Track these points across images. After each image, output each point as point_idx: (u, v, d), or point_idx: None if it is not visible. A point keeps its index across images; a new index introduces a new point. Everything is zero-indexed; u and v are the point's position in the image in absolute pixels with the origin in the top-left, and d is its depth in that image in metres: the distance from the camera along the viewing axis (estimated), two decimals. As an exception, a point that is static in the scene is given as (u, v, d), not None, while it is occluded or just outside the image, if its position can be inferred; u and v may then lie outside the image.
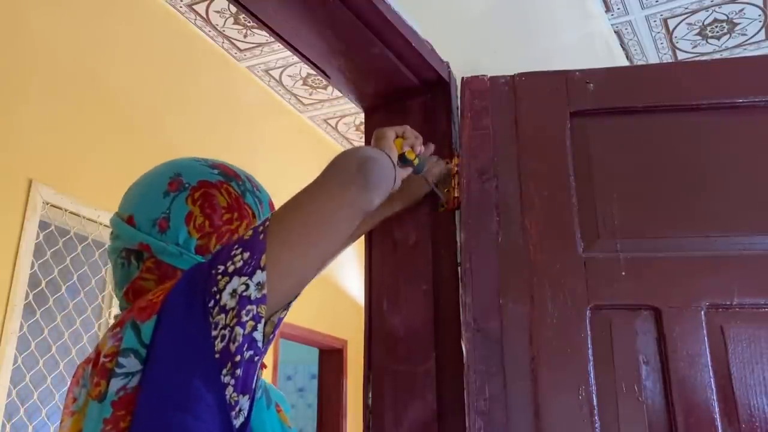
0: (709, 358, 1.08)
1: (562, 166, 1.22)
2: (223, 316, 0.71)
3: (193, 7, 3.39)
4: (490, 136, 1.25)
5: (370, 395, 1.22)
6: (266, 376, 0.81)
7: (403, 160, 1.08)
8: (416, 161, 1.11)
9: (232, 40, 3.65)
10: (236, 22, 3.49)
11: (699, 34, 3.25)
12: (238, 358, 0.70)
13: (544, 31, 2.10)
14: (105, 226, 2.87)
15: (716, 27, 3.20)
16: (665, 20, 3.13)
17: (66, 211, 2.74)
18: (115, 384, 0.71)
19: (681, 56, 3.41)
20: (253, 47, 3.70)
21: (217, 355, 0.70)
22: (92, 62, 2.97)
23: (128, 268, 0.87)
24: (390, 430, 1.18)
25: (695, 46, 3.35)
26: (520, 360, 1.11)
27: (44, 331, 2.63)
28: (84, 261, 2.83)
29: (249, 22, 3.45)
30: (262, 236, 0.75)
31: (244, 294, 0.72)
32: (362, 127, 3.68)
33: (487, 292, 1.15)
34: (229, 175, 0.92)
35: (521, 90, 1.28)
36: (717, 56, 3.40)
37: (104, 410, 0.71)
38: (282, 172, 3.51)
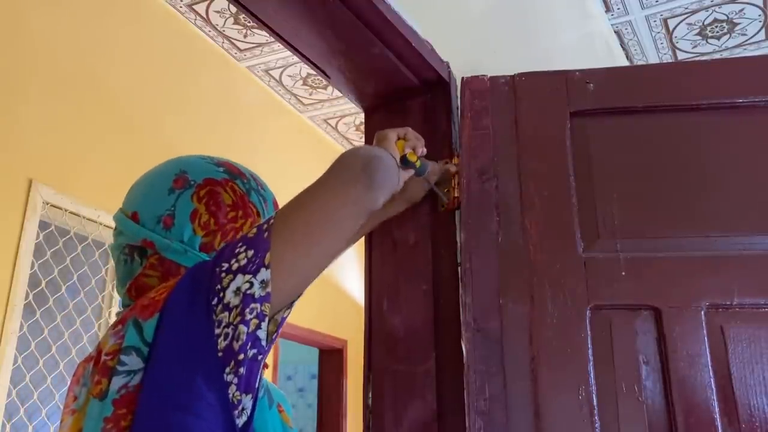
0: (709, 358, 1.08)
1: (562, 166, 1.22)
2: (226, 314, 0.71)
3: (193, 7, 3.39)
4: (490, 136, 1.25)
5: (370, 395, 1.22)
6: (267, 375, 0.81)
7: (404, 162, 1.08)
8: (418, 163, 1.11)
9: (232, 40, 3.65)
10: (236, 22, 3.49)
11: (699, 34, 3.25)
12: (241, 356, 0.70)
13: (544, 31, 2.10)
14: (105, 226, 2.87)
15: (716, 27, 3.20)
16: (665, 20, 3.13)
17: (66, 211, 2.74)
18: (117, 382, 0.71)
19: (681, 56, 3.41)
20: (253, 47, 3.70)
21: (220, 354, 0.69)
22: (92, 62, 2.97)
23: (131, 265, 0.87)
24: (390, 430, 1.18)
25: (695, 46, 3.35)
26: (520, 360, 1.11)
27: (44, 331, 2.63)
28: (84, 261, 2.83)
29: (249, 22, 3.45)
30: (266, 234, 0.75)
31: (248, 292, 0.71)
32: (362, 127, 3.68)
33: (487, 292, 1.15)
34: (234, 173, 0.92)
35: (521, 90, 1.28)
36: (717, 56, 3.40)
37: (105, 409, 0.70)
38: (282, 172, 3.51)
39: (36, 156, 2.66)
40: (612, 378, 1.09)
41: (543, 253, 1.16)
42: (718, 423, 1.05)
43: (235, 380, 0.70)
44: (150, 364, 0.70)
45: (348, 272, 4.68)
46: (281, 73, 3.93)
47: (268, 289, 0.72)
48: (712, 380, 1.07)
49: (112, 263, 2.91)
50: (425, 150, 1.14)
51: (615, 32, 3.11)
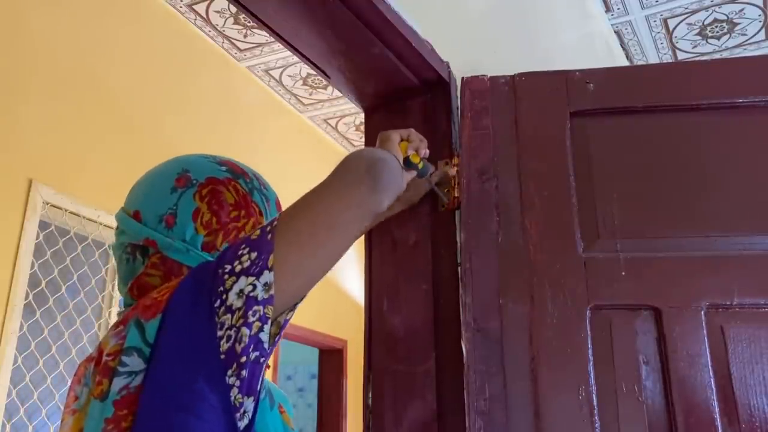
0: (709, 358, 1.08)
1: (562, 166, 1.22)
2: (229, 316, 0.70)
3: (193, 7, 3.39)
4: (490, 136, 1.25)
5: (370, 395, 1.22)
6: (267, 376, 0.80)
7: (407, 163, 1.08)
8: (420, 165, 1.11)
9: (232, 40, 3.65)
10: (236, 22, 3.49)
11: (699, 34, 3.25)
12: (243, 359, 0.69)
13: (544, 31, 2.10)
14: (105, 226, 2.87)
15: (716, 27, 3.20)
16: (665, 20, 3.13)
17: (66, 211, 2.74)
18: (118, 383, 0.70)
19: (681, 56, 3.41)
20: (253, 47, 3.70)
21: (222, 356, 0.69)
22: (92, 62, 2.97)
23: (133, 264, 0.87)
24: (390, 430, 1.18)
25: (695, 46, 3.35)
26: (520, 360, 1.11)
27: (44, 331, 2.63)
28: (84, 261, 2.83)
29: (249, 22, 3.45)
30: (269, 236, 0.75)
31: (251, 294, 0.71)
32: (362, 127, 3.68)
33: (487, 292, 1.15)
34: (236, 172, 0.91)
35: (521, 90, 1.28)
36: (717, 56, 3.40)
37: (106, 409, 0.70)
38: (282, 172, 3.51)
39: (36, 156, 2.66)
40: (612, 378, 1.09)
41: (543, 253, 1.16)
42: (718, 423, 1.05)
43: (237, 383, 0.69)
44: (152, 365, 0.70)
45: (348, 272, 4.68)
46: (281, 73, 3.93)
47: (271, 292, 0.72)
48: (712, 380, 1.07)
49: (112, 263, 2.91)
50: (428, 151, 1.14)
51: (615, 32, 3.11)
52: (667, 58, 3.41)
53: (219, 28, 3.55)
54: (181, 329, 0.71)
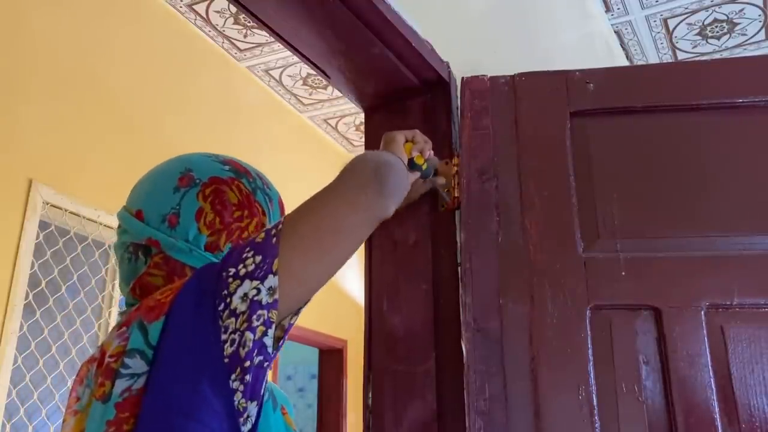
0: (709, 358, 1.08)
1: (562, 166, 1.22)
2: (233, 320, 0.70)
3: (193, 7, 3.39)
4: (490, 136, 1.25)
5: (370, 395, 1.22)
6: (268, 377, 0.80)
7: (411, 165, 1.07)
8: (425, 166, 1.10)
9: (232, 40, 3.65)
10: (236, 22, 3.49)
11: (699, 34, 3.25)
12: (247, 363, 0.69)
13: (544, 31, 2.10)
14: (105, 226, 2.87)
15: (716, 27, 3.20)
16: (665, 20, 3.13)
17: (66, 211, 2.74)
18: (120, 385, 0.70)
19: (681, 56, 3.41)
20: (253, 47, 3.70)
21: (226, 360, 0.69)
22: (92, 62, 2.97)
23: (135, 264, 0.86)
24: (390, 430, 1.18)
25: (695, 46, 3.35)
26: (520, 360, 1.11)
27: (44, 331, 2.63)
28: (84, 261, 2.83)
29: (249, 22, 3.45)
30: (274, 240, 0.74)
31: (256, 298, 0.70)
32: (362, 127, 3.68)
33: (487, 292, 1.15)
34: (240, 172, 0.90)
35: (521, 90, 1.28)
36: (717, 56, 3.40)
37: (108, 412, 0.69)
38: (282, 172, 3.51)
39: (36, 156, 2.66)
40: (612, 378, 1.09)
41: (543, 253, 1.16)
42: (718, 423, 1.05)
43: (241, 387, 0.69)
44: (154, 368, 0.69)
45: (348, 272, 4.68)
46: (281, 73, 3.93)
47: (276, 296, 0.71)
48: (712, 380, 1.07)
49: (112, 263, 2.91)
50: (432, 153, 1.14)
51: (615, 32, 3.11)
52: (667, 58, 3.41)
53: (219, 28, 3.55)
54: (185, 332, 0.70)
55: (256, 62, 3.83)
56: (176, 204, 0.85)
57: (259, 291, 0.71)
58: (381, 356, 1.24)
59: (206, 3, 3.35)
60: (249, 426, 0.70)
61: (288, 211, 0.93)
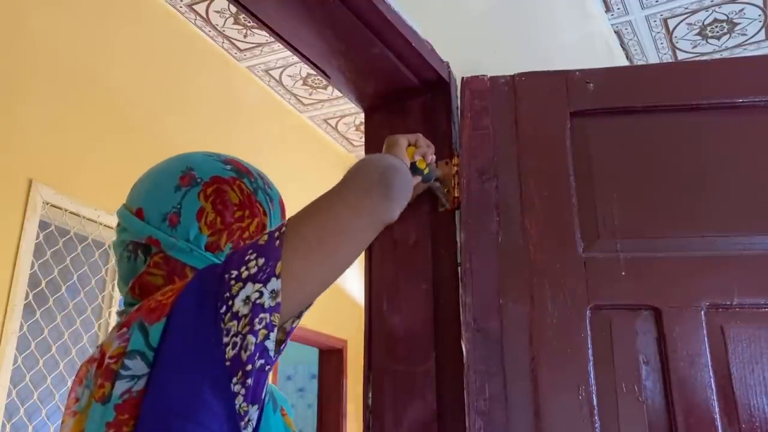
0: (709, 358, 1.08)
1: (562, 166, 1.22)
2: (235, 322, 0.69)
3: (193, 7, 3.39)
4: (490, 136, 1.25)
5: (370, 395, 1.22)
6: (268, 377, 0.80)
7: (413, 168, 1.07)
8: (426, 171, 1.10)
9: (232, 40, 3.65)
10: (236, 22, 3.49)
11: (699, 34, 3.25)
12: (249, 367, 0.68)
13: (544, 31, 2.10)
14: (105, 226, 2.87)
15: (716, 27, 3.20)
16: (665, 20, 3.13)
17: (66, 211, 2.74)
18: (120, 387, 0.69)
19: (681, 56, 3.41)
20: (253, 47, 3.70)
21: (227, 363, 0.68)
22: (93, 62, 2.97)
23: (134, 262, 0.85)
24: (390, 430, 1.18)
25: (695, 46, 3.35)
26: (520, 360, 1.11)
27: (44, 331, 2.63)
28: (84, 261, 2.83)
29: (249, 22, 3.45)
30: (278, 242, 0.74)
31: (258, 302, 0.70)
32: (362, 127, 3.68)
33: (487, 292, 1.15)
34: (241, 172, 0.90)
35: (521, 90, 1.28)
36: (717, 56, 3.40)
37: (107, 413, 0.69)
38: (282, 172, 3.51)
39: (36, 156, 2.66)
40: (612, 378, 1.09)
41: (543, 253, 1.16)
42: (718, 423, 1.05)
43: (243, 391, 0.68)
44: (155, 370, 0.69)
45: (348, 272, 4.66)
46: (281, 73, 3.93)
47: (278, 299, 0.71)
48: (712, 380, 1.07)
49: (112, 263, 2.91)
50: (435, 157, 1.14)
51: (615, 32, 3.11)
52: (667, 58, 3.41)
53: (219, 28, 3.55)
54: (186, 334, 0.70)
55: (256, 62, 3.83)
56: (177, 203, 0.84)
57: (261, 294, 0.70)
58: (381, 356, 1.24)
59: (206, 3, 3.35)
60: (250, 429, 0.70)
61: (289, 211, 0.93)
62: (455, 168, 1.25)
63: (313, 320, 4.17)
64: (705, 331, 1.09)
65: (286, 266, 0.72)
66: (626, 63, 3.24)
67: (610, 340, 1.11)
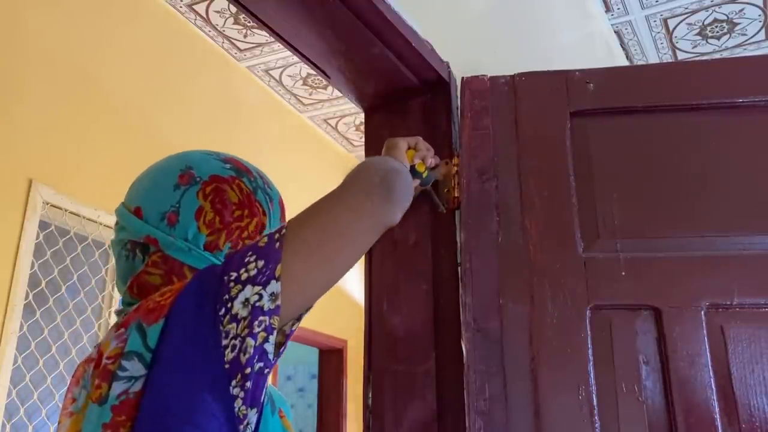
0: (709, 358, 1.08)
1: (562, 166, 1.22)
2: (234, 325, 0.68)
3: (193, 7, 3.39)
4: (490, 136, 1.25)
5: (370, 395, 1.22)
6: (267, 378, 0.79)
7: (412, 172, 1.06)
8: (425, 174, 1.10)
9: (232, 40, 3.65)
10: (236, 22, 3.49)
11: (699, 34, 3.25)
12: (248, 370, 0.68)
13: (544, 31, 2.10)
14: (105, 226, 2.87)
15: (716, 27, 3.20)
16: (665, 20, 3.13)
17: (66, 211, 2.74)
18: (117, 388, 0.69)
19: (681, 56, 3.41)
20: (253, 47, 3.70)
21: (226, 366, 0.67)
22: (92, 62, 2.97)
23: (133, 261, 0.85)
24: (390, 430, 1.18)
25: (695, 46, 3.35)
26: (520, 360, 1.11)
27: (44, 331, 2.63)
28: (84, 261, 2.83)
29: (249, 22, 3.45)
30: (278, 245, 0.73)
31: (257, 304, 0.69)
32: (362, 127, 3.68)
33: (487, 292, 1.15)
34: (241, 171, 0.89)
35: (521, 90, 1.28)
36: (717, 56, 3.40)
37: (104, 415, 0.68)
38: (282, 172, 3.51)
39: (36, 156, 2.66)
40: (612, 378, 1.09)
41: (543, 253, 1.16)
42: (718, 423, 1.05)
43: (241, 394, 0.68)
44: (152, 372, 0.68)
45: (348, 272, 4.67)
46: (281, 73, 3.93)
47: (278, 302, 0.70)
48: (712, 380, 1.07)
49: (112, 263, 2.91)
50: (434, 161, 1.13)
51: (615, 32, 3.11)
52: (667, 58, 3.41)
53: (219, 28, 3.55)
54: (184, 336, 0.69)
55: (256, 62, 3.83)
56: (176, 202, 0.84)
57: (260, 296, 0.70)
58: (381, 356, 1.24)
59: (206, 3, 3.35)
60: None
61: (288, 212, 0.93)
62: (455, 168, 1.25)
63: (313, 320, 4.17)
64: (705, 331, 1.09)
65: (286, 269, 0.72)
66: (626, 63, 3.24)
67: (610, 340, 1.11)
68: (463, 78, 1.31)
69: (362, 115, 1.44)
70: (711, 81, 1.26)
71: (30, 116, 2.67)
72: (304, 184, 3.41)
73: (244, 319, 0.69)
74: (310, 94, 4.17)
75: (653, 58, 3.35)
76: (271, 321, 0.70)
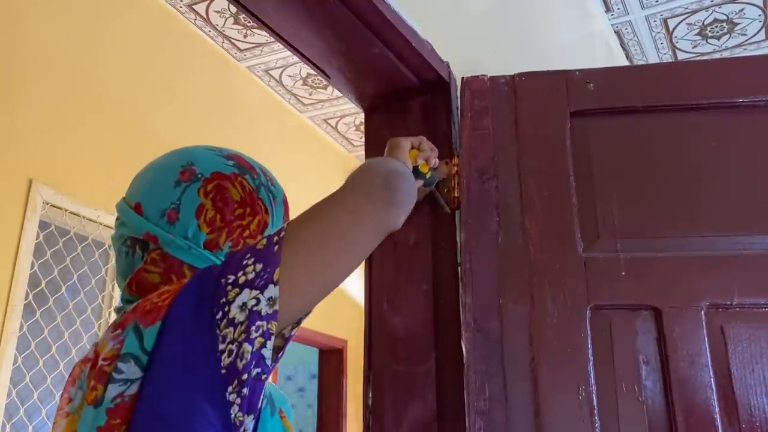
0: (709, 358, 1.08)
1: (562, 166, 1.22)
2: (231, 329, 0.67)
3: (193, 7, 3.39)
4: (490, 136, 1.25)
5: (370, 395, 1.22)
6: (267, 377, 0.78)
7: (415, 173, 1.05)
8: (429, 175, 1.09)
9: (232, 40, 3.65)
10: (236, 22, 3.49)
11: (699, 34, 3.25)
12: (245, 376, 0.66)
13: (544, 31, 2.10)
14: (105, 226, 2.87)
15: (716, 27, 3.20)
16: (665, 20, 3.13)
17: (66, 211, 2.74)
18: (113, 390, 0.67)
19: (681, 56, 3.41)
20: (253, 47, 3.70)
21: (223, 371, 0.66)
22: (92, 62, 2.97)
23: (132, 258, 0.83)
24: (390, 430, 1.18)
25: (695, 46, 3.35)
26: (520, 360, 1.11)
27: (44, 331, 2.63)
28: (84, 261, 2.83)
29: (249, 22, 3.45)
30: (276, 248, 0.71)
31: (255, 309, 0.68)
32: (362, 127, 3.68)
33: (487, 292, 1.15)
34: (243, 167, 0.87)
35: (521, 90, 1.28)
36: (717, 56, 3.40)
37: (99, 417, 0.67)
38: (282, 172, 3.51)
39: (36, 156, 2.66)
40: (612, 378, 1.09)
41: (543, 253, 1.16)
42: (718, 423, 1.05)
43: (238, 400, 0.66)
44: (148, 375, 0.67)
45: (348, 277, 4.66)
46: (281, 73, 3.93)
47: (276, 307, 0.69)
48: (712, 380, 1.07)
49: (112, 263, 2.91)
50: (437, 161, 1.12)
51: (615, 32, 3.11)
52: (667, 58, 3.41)
53: (219, 28, 3.55)
54: (181, 340, 0.68)
55: (256, 62, 3.83)
56: (176, 199, 0.82)
57: (258, 301, 0.68)
58: (381, 356, 1.24)
59: (206, 3, 3.35)
60: None
61: (291, 212, 0.92)
62: (455, 168, 1.25)
63: (313, 320, 4.16)
64: (705, 331, 1.09)
65: (284, 273, 0.70)
66: (626, 63, 3.24)
67: (610, 340, 1.11)
68: (463, 78, 1.31)
69: (362, 115, 1.44)
70: (711, 81, 1.26)
71: (30, 116, 2.67)
72: (304, 185, 3.41)
73: (241, 323, 0.67)
74: (310, 94, 4.17)
75: (653, 58, 3.35)
76: (269, 326, 0.68)
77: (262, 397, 0.70)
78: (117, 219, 0.87)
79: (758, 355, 1.08)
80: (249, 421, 0.68)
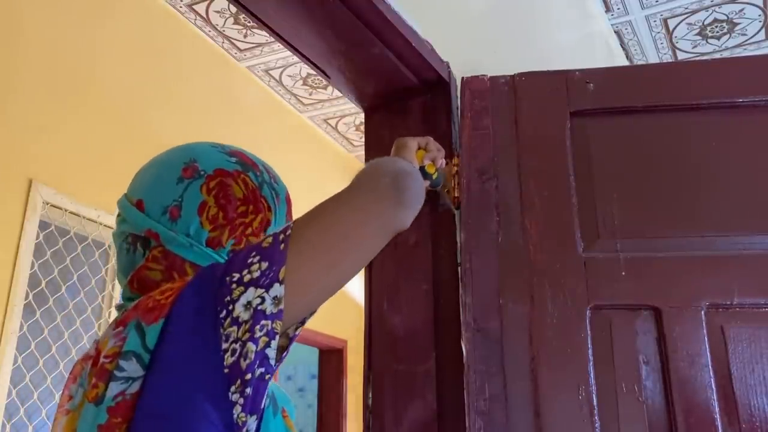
0: (709, 358, 1.08)
1: (562, 166, 1.22)
2: (235, 328, 0.66)
3: (193, 7, 3.39)
4: (490, 136, 1.25)
5: (370, 395, 1.22)
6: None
7: (422, 173, 1.04)
8: (435, 176, 1.09)
9: (232, 40, 3.65)
10: (236, 22, 3.49)
11: (699, 34, 3.25)
12: (248, 376, 0.66)
13: (544, 31, 2.10)
14: (105, 226, 2.87)
15: (716, 27, 3.19)
16: (665, 20, 3.13)
17: (66, 211, 2.74)
18: (114, 388, 0.67)
19: (681, 56, 3.41)
20: (253, 47, 3.70)
21: (226, 370, 0.65)
22: (92, 63, 2.97)
23: (133, 255, 0.83)
24: (390, 430, 1.18)
25: (695, 46, 3.35)
26: (520, 360, 1.11)
27: (44, 331, 2.63)
28: (84, 261, 2.83)
29: (249, 22, 3.44)
30: (282, 246, 0.70)
31: (260, 308, 0.67)
32: (362, 127, 3.68)
33: (487, 292, 1.15)
34: (246, 165, 0.86)
35: (521, 90, 1.28)
36: (717, 56, 3.40)
37: (100, 415, 0.67)
38: (282, 172, 3.50)
39: (36, 156, 2.66)
40: (612, 378, 1.09)
41: (543, 253, 1.16)
42: (719, 423, 1.05)
43: (241, 400, 0.66)
44: (150, 373, 0.66)
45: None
46: (281, 73, 3.93)
47: (281, 306, 0.68)
48: (712, 380, 1.07)
49: (112, 263, 2.91)
50: (444, 162, 1.12)
51: (615, 32, 3.11)
52: (667, 58, 3.40)
53: (219, 28, 3.55)
54: (184, 338, 0.67)
55: (256, 62, 3.83)
56: (179, 196, 0.81)
57: (263, 300, 0.67)
58: (381, 356, 1.24)
59: (206, 3, 3.35)
60: None
61: (294, 211, 0.91)
62: (455, 168, 1.25)
63: (313, 320, 4.13)
64: (705, 331, 1.09)
65: (290, 272, 0.69)
66: (626, 63, 3.24)
67: (610, 340, 1.11)
68: (463, 78, 1.31)
69: (362, 115, 1.44)
70: (711, 81, 1.26)
71: (30, 116, 2.67)
72: (305, 185, 3.40)
73: (246, 322, 0.66)
74: (310, 94, 4.17)
75: (653, 58, 3.35)
76: (274, 325, 0.67)
77: (264, 398, 0.69)
78: (118, 215, 0.86)
79: (758, 355, 1.08)
80: (252, 422, 0.67)
